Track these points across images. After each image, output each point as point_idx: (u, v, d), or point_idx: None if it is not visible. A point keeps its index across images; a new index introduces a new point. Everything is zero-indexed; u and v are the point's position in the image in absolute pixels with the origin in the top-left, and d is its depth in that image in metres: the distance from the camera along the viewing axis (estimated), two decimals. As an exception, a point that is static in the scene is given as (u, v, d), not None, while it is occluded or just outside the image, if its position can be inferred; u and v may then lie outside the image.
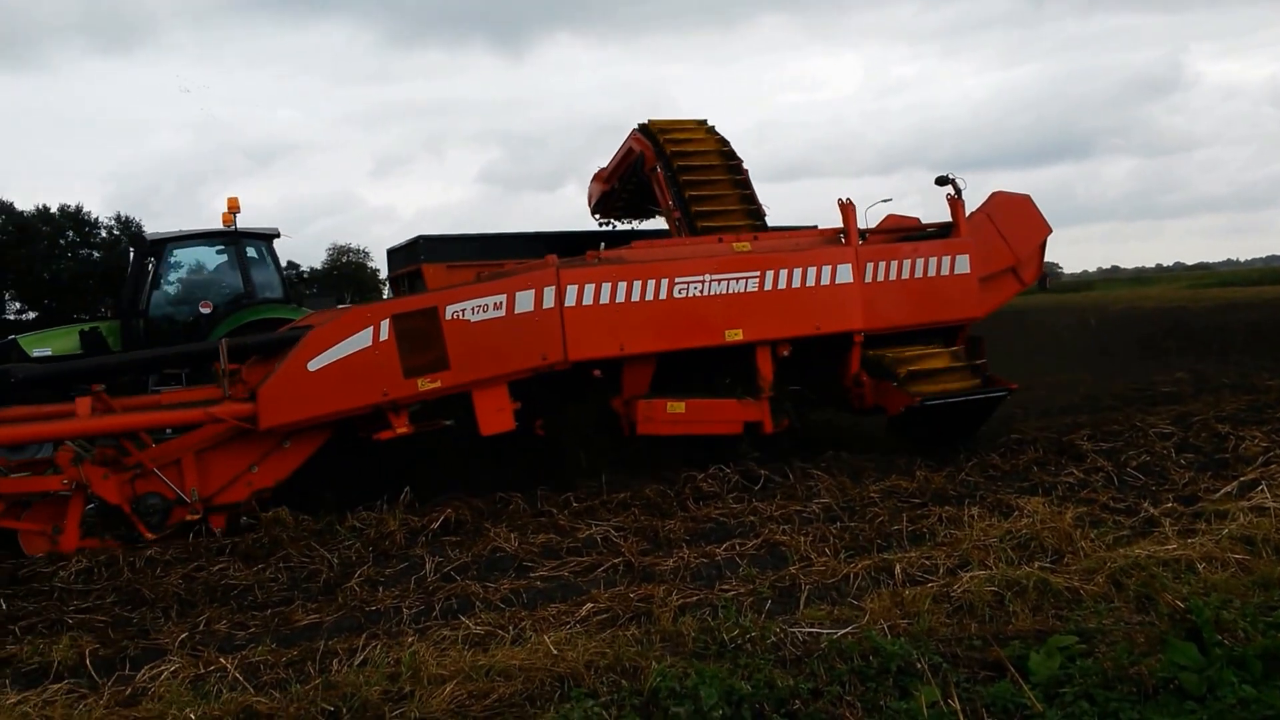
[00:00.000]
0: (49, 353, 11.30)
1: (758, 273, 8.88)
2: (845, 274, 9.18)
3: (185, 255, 12.77)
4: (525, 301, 8.16)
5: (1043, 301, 34.51)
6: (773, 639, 4.85)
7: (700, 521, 7.18)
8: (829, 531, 6.73)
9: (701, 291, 8.70)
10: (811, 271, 9.04)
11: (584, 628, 5.20)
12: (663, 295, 8.58)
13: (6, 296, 42.96)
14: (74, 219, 45.14)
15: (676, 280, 8.63)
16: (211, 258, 12.92)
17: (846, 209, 9.44)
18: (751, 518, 7.13)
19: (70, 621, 5.78)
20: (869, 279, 9.27)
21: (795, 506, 7.34)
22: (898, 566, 5.78)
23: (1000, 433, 9.80)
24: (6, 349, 11.44)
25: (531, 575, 6.25)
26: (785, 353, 9.04)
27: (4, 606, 6.04)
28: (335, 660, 4.91)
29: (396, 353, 7.80)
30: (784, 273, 8.96)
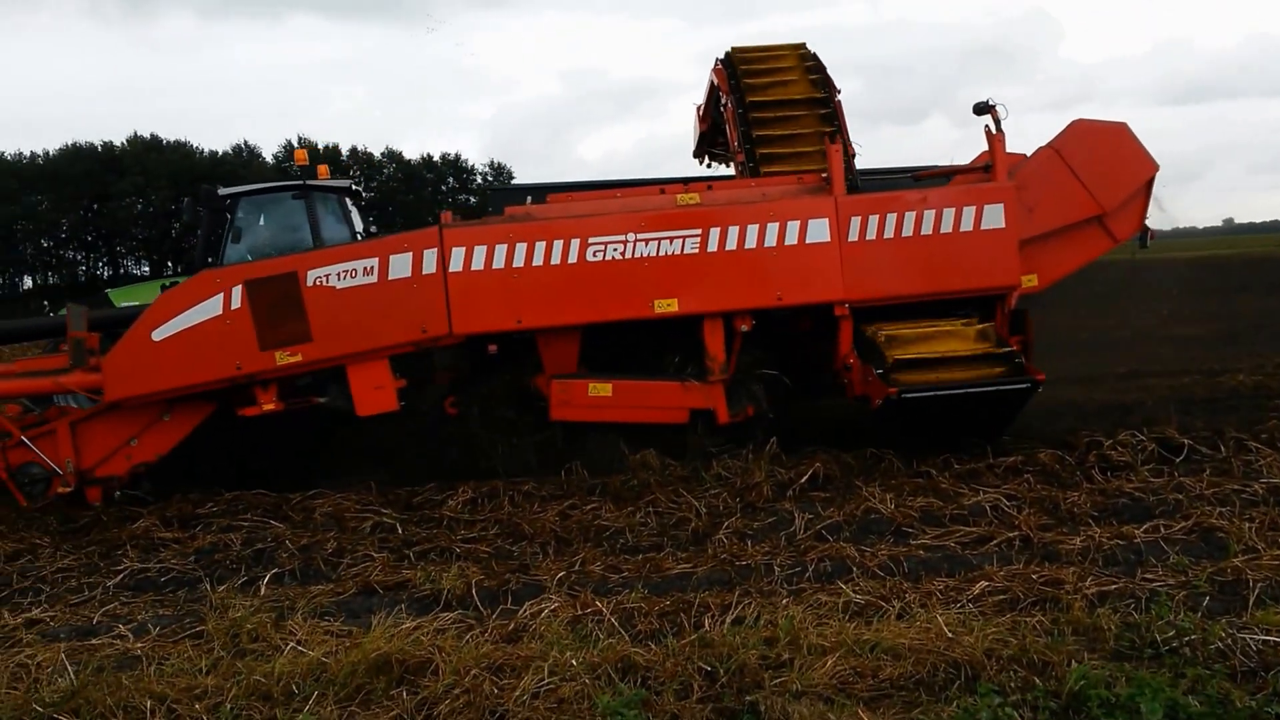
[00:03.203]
0: (136, 305, 11.86)
1: (698, 231, 7.25)
2: (820, 231, 7.29)
3: (257, 209, 12.68)
4: (401, 266, 7.15)
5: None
6: (1217, 645, 4.07)
7: (1111, 495, 6.27)
8: (1280, 518, 5.62)
9: (623, 254, 7.22)
10: (772, 229, 7.26)
11: (978, 608, 4.65)
12: (573, 259, 7.21)
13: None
14: (454, 166, 49.77)
15: (590, 241, 7.21)
16: (283, 211, 12.69)
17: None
18: (1176, 495, 6.12)
19: (458, 550, 6.01)
20: (854, 238, 7.32)
21: (1232, 485, 6.22)
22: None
23: None
24: (99, 302, 11.90)
25: (912, 542, 5.72)
26: (745, 327, 7.37)
27: (401, 532, 6.40)
28: (708, 616, 4.69)
29: (251, 323, 7.08)
30: (733, 231, 7.26)
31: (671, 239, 7.22)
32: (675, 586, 5.22)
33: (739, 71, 8.96)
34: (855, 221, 7.29)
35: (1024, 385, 7.06)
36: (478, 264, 7.15)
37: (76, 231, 65.72)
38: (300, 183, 12.29)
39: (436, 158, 54.01)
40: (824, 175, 7.61)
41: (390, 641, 4.36)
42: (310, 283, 7.10)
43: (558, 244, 7.18)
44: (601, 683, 4.01)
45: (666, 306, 7.24)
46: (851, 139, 8.69)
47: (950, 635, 4.20)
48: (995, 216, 7.35)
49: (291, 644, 4.55)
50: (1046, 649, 4.06)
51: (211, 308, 7.05)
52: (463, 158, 52.07)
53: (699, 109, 10.95)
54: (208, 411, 7.51)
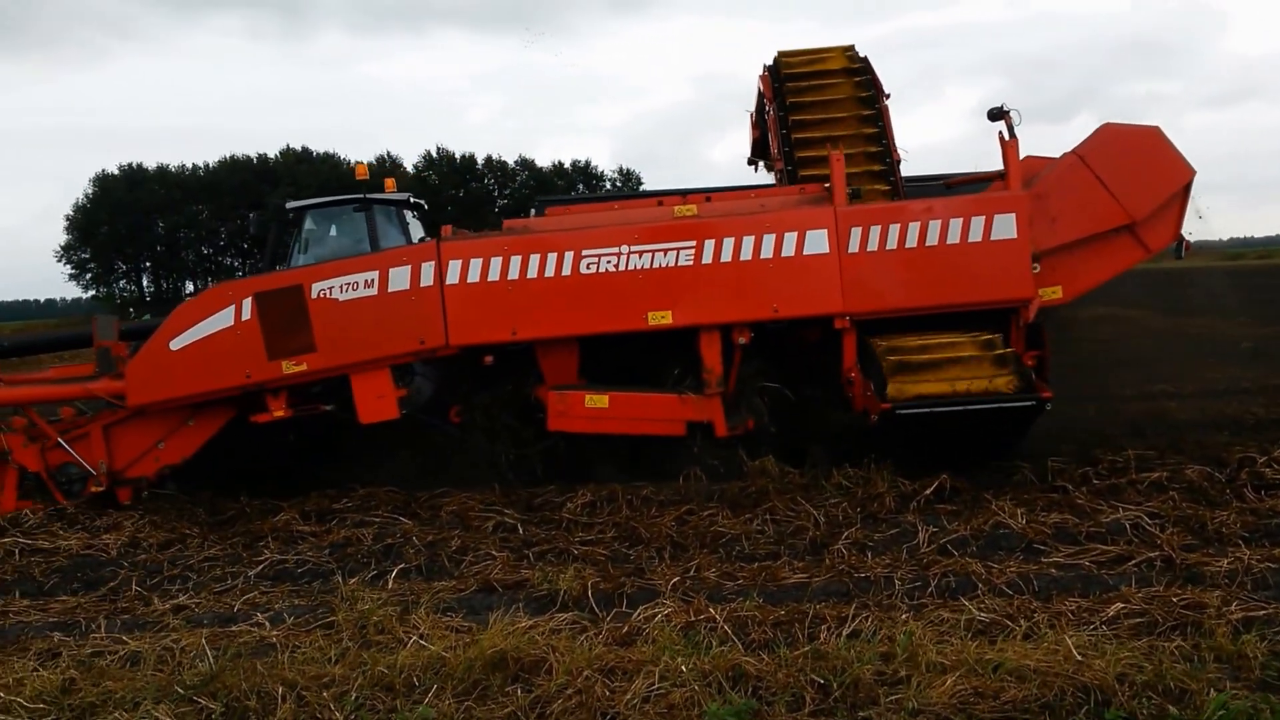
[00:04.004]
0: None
1: (692, 243, 7.14)
2: (818, 242, 7.10)
3: (322, 221, 13.13)
4: (400, 279, 7.26)
5: None
6: (1381, 682, 3.76)
7: (1263, 516, 5.88)
8: None
9: (616, 266, 7.17)
10: (768, 240, 7.10)
11: (1112, 631, 4.44)
12: (566, 271, 7.18)
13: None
14: (584, 172, 50.71)
15: (584, 253, 7.17)
16: (346, 223, 13.10)
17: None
18: (1337, 518, 5.71)
19: (575, 552, 6.08)
20: (854, 249, 7.09)
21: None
22: None
23: None
24: None
25: (1043, 560, 5.49)
26: (743, 340, 7.23)
27: (521, 532, 6.52)
28: (824, 627, 4.61)
29: (260, 333, 7.32)
30: (728, 242, 7.12)
31: (665, 251, 7.19)
32: (790, 596, 5.15)
33: (783, 76, 8.77)
34: (856, 232, 7.12)
35: (1028, 404, 6.71)
36: (474, 277, 7.26)
37: (234, 239, 69.56)
38: (361, 196, 12.81)
39: (567, 164, 55.23)
40: (826, 185, 7.43)
41: (507, 639, 4.44)
42: (315, 295, 7.35)
43: (552, 256, 7.23)
44: (712, 690, 3.99)
45: (660, 319, 7.22)
46: (898, 145, 8.38)
47: (1080, 658, 4.02)
48: (1006, 226, 7.05)
49: (414, 638, 4.68)
50: (1185, 676, 3.84)
51: (224, 319, 7.39)
52: (592, 164, 53.06)
53: (751, 116, 10.87)
54: (228, 417, 7.86)
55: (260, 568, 6.18)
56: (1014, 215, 7.05)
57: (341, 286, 7.34)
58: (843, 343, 7.25)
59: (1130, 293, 19.14)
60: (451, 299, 7.26)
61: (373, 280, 7.31)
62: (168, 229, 66.30)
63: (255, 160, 69.17)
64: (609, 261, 7.20)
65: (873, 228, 7.11)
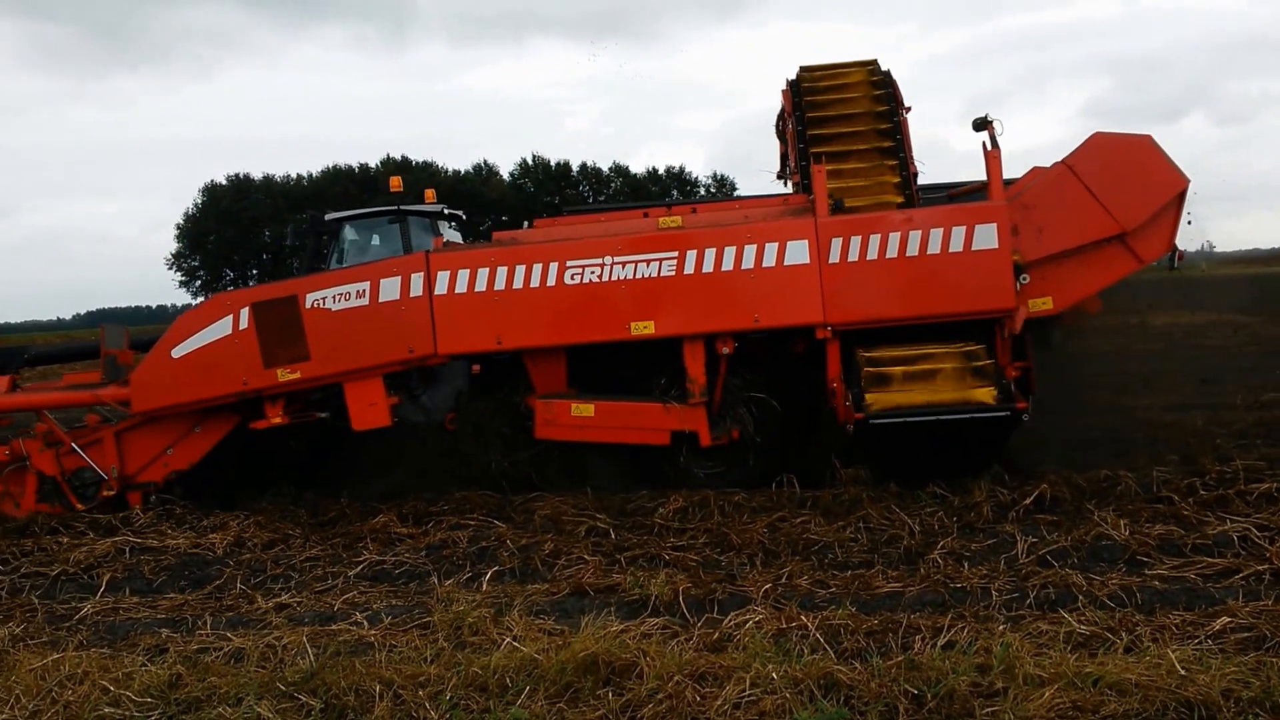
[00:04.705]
0: None
1: (675, 253, 7.19)
2: (799, 253, 7.11)
3: (359, 232, 13.40)
4: (390, 290, 7.44)
5: None
6: None
7: (1382, 529, 5.63)
8: None
9: (600, 277, 7.27)
10: (749, 251, 7.13)
11: (1218, 645, 4.31)
12: (551, 282, 7.29)
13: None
14: (677, 177, 50.83)
15: (568, 264, 7.28)
16: (382, 233, 13.34)
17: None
18: None
19: (667, 558, 6.10)
20: (835, 259, 7.08)
21: None
22: None
23: None
24: None
25: (1146, 572, 5.33)
26: (727, 350, 7.27)
27: (613, 537, 6.57)
28: (918, 637, 4.56)
29: (256, 342, 7.53)
30: (710, 253, 7.16)
31: (648, 261, 7.28)
32: (884, 605, 5.10)
33: (802, 90, 8.72)
34: (836, 243, 7.12)
35: (1002, 414, 6.69)
36: (461, 287, 7.43)
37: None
38: (395, 207, 13.25)
39: (661, 170, 55.58)
40: (810, 197, 7.40)
41: (598, 643, 4.48)
42: (309, 305, 7.57)
43: (537, 267, 7.37)
44: (804, 698, 3.98)
45: (643, 329, 7.31)
46: (916, 157, 8.26)
47: (1183, 673, 3.90)
48: (988, 237, 7.02)
49: (508, 639, 4.76)
50: (1294, 694, 3.71)
51: (223, 328, 7.64)
52: (686, 169, 53.20)
53: (776, 130, 10.94)
54: (232, 424, 8.08)
55: (359, 568, 6.35)
56: (995, 225, 7.03)
57: (334, 297, 7.58)
58: (826, 353, 7.29)
59: (1238, 299, 18.43)
60: (440, 309, 7.47)
61: (364, 291, 7.53)
62: (273, 237, 68.34)
63: (357, 169, 71.08)
64: (592, 272, 7.34)
65: (853, 238, 7.13)
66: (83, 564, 6.72)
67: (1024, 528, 6.13)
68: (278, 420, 7.79)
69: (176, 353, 7.72)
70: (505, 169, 73.42)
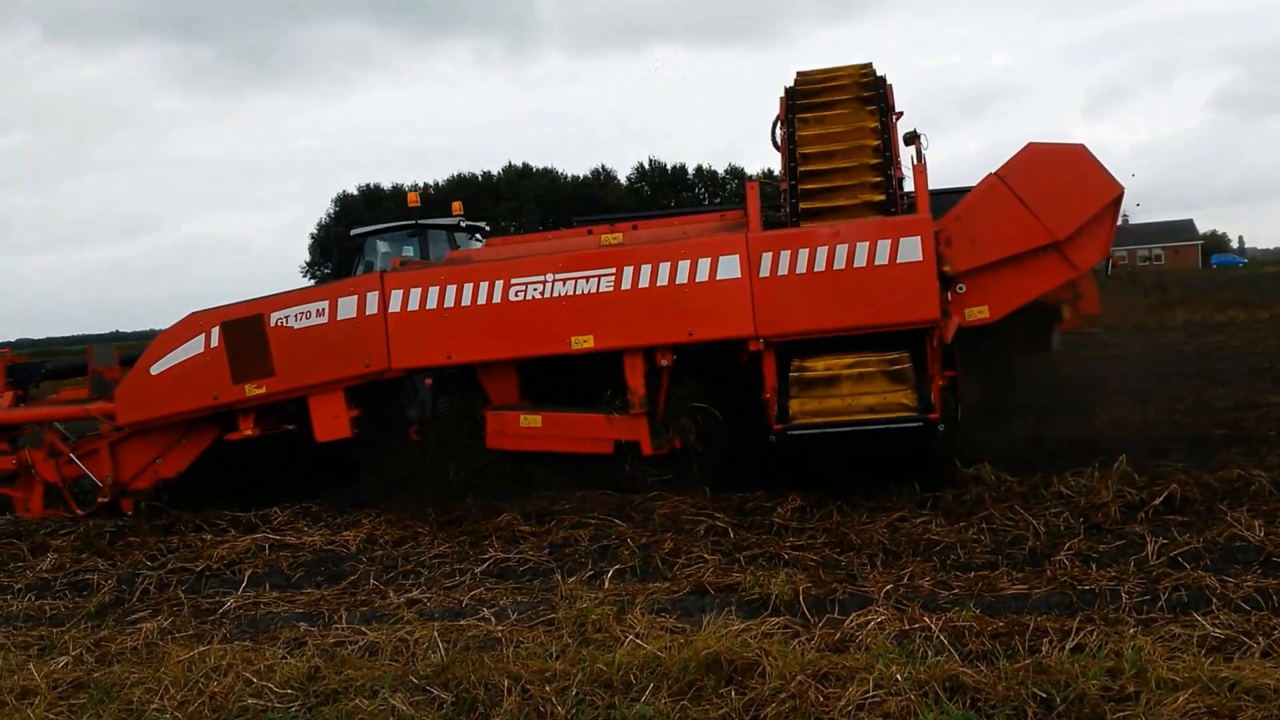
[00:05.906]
0: None
1: (613, 270, 7.47)
2: (730, 268, 7.32)
3: (382, 246, 13.71)
4: (348, 308, 7.89)
5: None
6: None
7: None
8: None
9: (542, 294, 7.59)
10: (683, 266, 7.38)
11: (1364, 649, 4.11)
12: (497, 299, 7.66)
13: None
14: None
15: (512, 282, 7.64)
16: (402, 247, 13.58)
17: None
18: None
19: (786, 557, 6.12)
20: (765, 273, 7.24)
21: None
22: None
23: None
24: None
25: (1285, 574, 5.13)
26: (665, 362, 7.57)
27: (732, 536, 6.62)
28: (1045, 640, 4.49)
29: (226, 359, 8.01)
30: (646, 269, 7.43)
31: (587, 278, 7.57)
32: (1009, 607, 5.03)
33: (795, 94, 8.58)
34: (767, 257, 7.28)
35: (917, 425, 6.74)
36: (414, 305, 7.84)
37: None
38: (414, 221, 13.82)
39: (775, 172, 55.51)
40: (744, 212, 7.57)
41: (720, 641, 4.55)
42: (273, 323, 8.03)
43: (484, 285, 7.71)
44: (929, 700, 3.97)
45: (583, 343, 7.61)
46: (903, 163, 8.10)
47: (1329, 678, 3.77)
48: (912, 250, 7.10)
49: (630, 637, 4.87)
50: None
51: (195, 346, 8.17)
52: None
53: (770, 138, 10.85)
54: (214, 436, 8.55)
55: (485, 565, 6.55)
56: (919, 238, 7.11)
57: (296, 315, 8.03)
58: (762, 365, 7.42)
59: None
60: (394, 326, 7.88)
61: (324, 310, 7.98)
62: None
63: (480, 177, 72.77)
64: (535, 289, 7.67)
65: (783, 252, 7.28)
66: (225, 560, 7.10)
67: (1153, 528, 5.96)
68: (250, 432, 8.32)
69: (155, 369, 8.28)
70: (623, 173, 74.21)
